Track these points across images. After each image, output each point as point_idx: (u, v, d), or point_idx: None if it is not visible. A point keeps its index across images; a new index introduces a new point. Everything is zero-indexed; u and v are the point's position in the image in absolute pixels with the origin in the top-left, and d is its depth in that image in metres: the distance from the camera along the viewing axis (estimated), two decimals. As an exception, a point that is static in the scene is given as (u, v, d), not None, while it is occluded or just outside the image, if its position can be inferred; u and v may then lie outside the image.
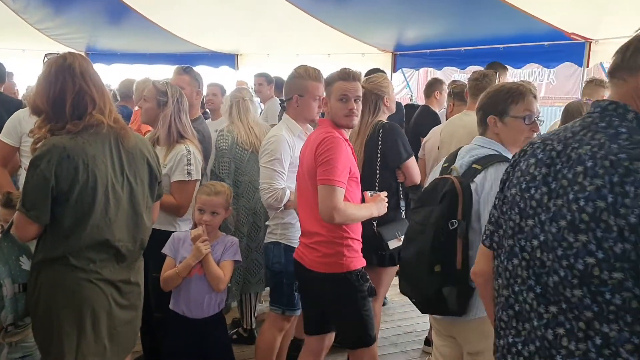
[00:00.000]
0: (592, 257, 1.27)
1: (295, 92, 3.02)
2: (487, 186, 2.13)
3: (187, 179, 2.99)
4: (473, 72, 3.98)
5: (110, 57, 9.80)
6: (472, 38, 6.24)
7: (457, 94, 4.29)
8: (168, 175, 2.97)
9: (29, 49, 9.38)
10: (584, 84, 4.91)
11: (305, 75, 2.99)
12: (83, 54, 9.21)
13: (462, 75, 10.25)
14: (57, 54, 2.30)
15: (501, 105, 2.26)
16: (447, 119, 4.45)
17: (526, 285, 1.46)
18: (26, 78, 6.07)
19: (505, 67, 4.85)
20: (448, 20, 6.21)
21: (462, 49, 6.47)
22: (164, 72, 8.90)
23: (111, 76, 9.54)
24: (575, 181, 1.33)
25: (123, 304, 2.32)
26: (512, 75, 8.06)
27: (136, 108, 5.14)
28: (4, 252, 2.37)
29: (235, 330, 4.09)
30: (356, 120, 2.73)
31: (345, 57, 7.72)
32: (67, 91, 2.16)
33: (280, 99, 6.12)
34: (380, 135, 3.31)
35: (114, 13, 7.88)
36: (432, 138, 4.04)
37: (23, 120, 3.31)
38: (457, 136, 3.58)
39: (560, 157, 1.41)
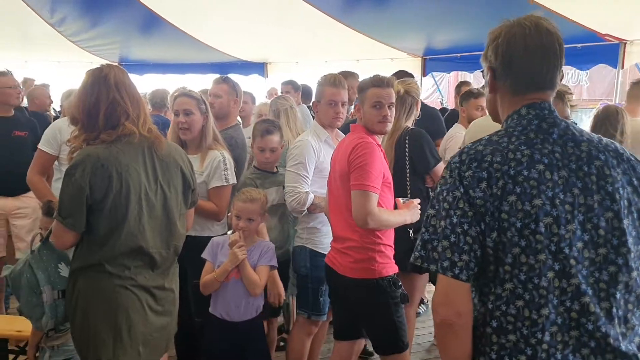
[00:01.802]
0: (630, 237, 1.44)
1: (316, 98, 3.13)
2: None
3: (225, 184, 3.05)
4: None
5: (143, 67, 9.98)
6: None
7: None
8: (205, 182, 3.02)
9: (64, 60, 9.63)
10: (628, 86, 4.77)
11: (323, 81, 3.09)
12: (116, 64, 9.48)
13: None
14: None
15: None
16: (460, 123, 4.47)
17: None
18: (62, 89, 6.24)
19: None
20: (479, 22, 6.14)
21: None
22: (195, 82, 9.04)
23: (143, 86, 9.70)
24: (603, 174, 1.44)
25: (158, 310, 2.35)
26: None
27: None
28: (43, 260, 2.44)
29: (279, 336, 4.09)
30: (389, 127, 2.76)
31: (374, 63, 7.71)
32: (101, 101, 2.20)
33: (308, 106, 6.18)
34: (407, 141, 3.31)
35: (146, 24, 8.03)
36: (454, 140, 4.03)
37: (62, 129, 3.38)
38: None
39: (567, 157, 1.45)
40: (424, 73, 7.74)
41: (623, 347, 1.41)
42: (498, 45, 1.53)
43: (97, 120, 2.21)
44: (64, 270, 2.43)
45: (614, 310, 1.41)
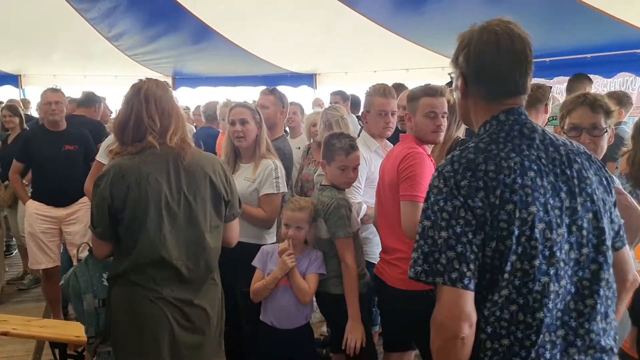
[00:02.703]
0: (608, 235, 1.50)
1: (365, 108, 3.13)
2: None
3: (276, 192, 3.08)
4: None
5: (195, 80, 10.21)
6: (557, 48, 6.01)
7: None
8: (257, 189, 3.06)
9: (121, 75, 9.95)
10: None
11: (372, 91, 3.10)
12: (170, 78, 9.74)
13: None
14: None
15: None
16: None
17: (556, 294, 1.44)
18: (118, 103, 6.53)
19: (590, 78, 4.65)
20: (532, 29, 5.87)
21: (547, 59, 6.24)
22: (245, 94, 9.18)
23: (196, 99, 9.93)
24: (582, 176, 1.50)
25: (187, 326, 2.33)
26: (603, 85, 7.68)
27: (221, 130, 5.34)
28: (89, 269, 2.50)
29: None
30: (442, 137, 2.72)
31: (424, 72, 7.64)
32: (131, 116, 2.29)
33: (357, 116, 6.17)
34: None
35: (199, 37, 8.22)
36: None
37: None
38: None
39: (550, 162, 1.48)
40: (476, 82, 7.60)
41: (603, 343, 1.47)
42: (470, 51, 1.53)
43: (126, 134, 2.29)
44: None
45: (598, 306, 1.46)
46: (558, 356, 1.43)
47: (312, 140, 4.37)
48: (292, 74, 9.55)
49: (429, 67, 7.64)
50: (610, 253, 1.50)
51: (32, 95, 9.99)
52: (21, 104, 6.20)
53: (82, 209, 4.44)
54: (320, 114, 4.23)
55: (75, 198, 4.46)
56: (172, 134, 2.29)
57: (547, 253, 1.41)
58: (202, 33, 7.96)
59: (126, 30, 8.22)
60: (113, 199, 2.20)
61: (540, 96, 3.53)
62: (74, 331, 3.45)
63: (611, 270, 1.50)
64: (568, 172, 1.48)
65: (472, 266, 1.40)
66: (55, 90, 4.59)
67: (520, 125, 1.51)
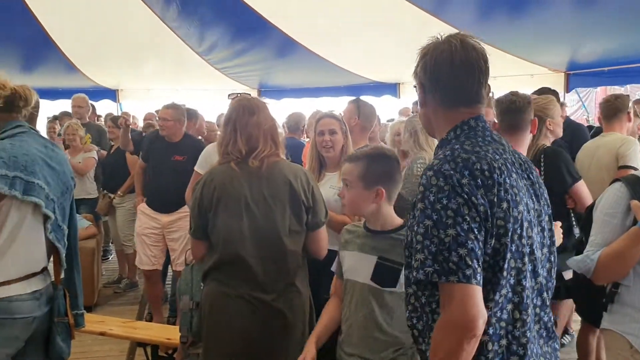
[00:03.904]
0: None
1: None
2: None
3: None
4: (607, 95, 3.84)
5: (280, 92, 10.42)
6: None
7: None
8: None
9: (210, 88, 10.33)
10: None
11: None
12: (256, 90, 10.01)
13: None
14: (238, 93, 2.66)
15: None
16: None
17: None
18: (208, 116, 6.81)
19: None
20: (629, 33, 5.69)
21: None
22: (329, 105, 9.27)
23: (280, 110, 10.14)
24: (539, 182, 1.62)
25: (264, 328, 2.41)
26: None
27: (306, 140, 5.42)
28: (192, 273, 2.69)
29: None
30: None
31: (512, 80, 7.40)
32: (223, 141, 2.54)
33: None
34: (542, 160, 3.15)
35: (284, 50, 8.39)
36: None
37: (213, 153, 3.65)
38: (597, 156, 3.62)
39: (519, 167, 1.57)
40: (567, 89, 7.28)
41: (554, 332, 1.60)
42: (427, 62, 1.59)
43: (222, 153, 2.54)
44: None
45: (548, 301, 1.59)
46: (537, 350, 1.51)
47: (396, 150, 4.35)
48: (376, 84, 9.54)
49: (516, 74, 7.40)
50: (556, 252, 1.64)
51: (128, 108, 10.59)
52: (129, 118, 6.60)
53: (184, 218, 4.66)
54: (403, 123, 4.20)
55: (178, 206, 4.68)
56: (256, 156, 2.47)
57: (528, 250, 1.49)
58: (286, 46, 8.13)
59: (215, 45, 8.53)
60: (203, 199, 2.43)
61: (620, 105, 3.56)
62: (165, 334, 3.60)
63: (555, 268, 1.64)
64: (531, 177, 1.60)
65: (480, 262, 1.41)
66: (167, 107, 4.88)
67: (489, 132, 1.59)
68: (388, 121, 7.02)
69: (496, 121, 2.98)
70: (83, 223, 5.21)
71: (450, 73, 1.56)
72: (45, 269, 2.49)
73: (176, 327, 3.08)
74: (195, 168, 3.86)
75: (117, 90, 10.65)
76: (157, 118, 5.08)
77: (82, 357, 4.24)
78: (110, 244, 7.24)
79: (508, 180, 1.46)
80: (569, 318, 4.34)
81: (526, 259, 1.48)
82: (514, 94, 2.85)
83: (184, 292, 2.65)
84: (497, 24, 6.60)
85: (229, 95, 3.07)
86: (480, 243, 1.40)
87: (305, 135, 6.08)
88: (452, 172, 1.44)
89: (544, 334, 1.56)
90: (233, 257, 2.40)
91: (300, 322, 2.52)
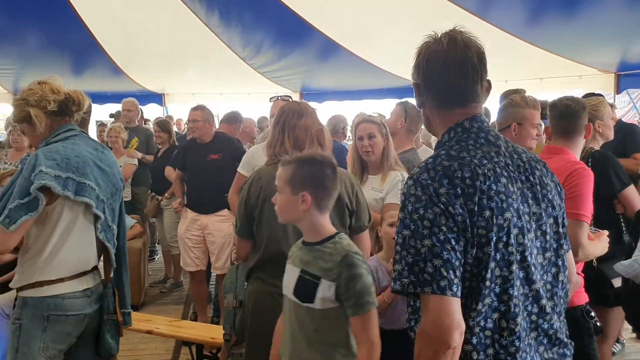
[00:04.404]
0: (565, 238, 1.59)
1: (513, 120, 2.94)
2: None
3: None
4: None
5: (322, 95, 10.43)
6: None
7: None
8: (383, 198, 3.17)
9: (253, 92, 10.44)
10: None
11: (522, 103, 2.95)
12: (298, 93, 10.06)
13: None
14: (279, 96, 2.71)
15: None
16: None
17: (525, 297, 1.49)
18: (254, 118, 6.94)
19: None
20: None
21: None
22: (372, 107, 9.24)
23: (322, 113, 10.14)
24: (544, 182, 1.55)
25: None
26: None
27: (349, 143, 5.42)
28: (237, 272, 2.75)
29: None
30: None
31: (559, 81, 7.25)
32: (271, 143, 2.61)
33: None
34: (590, 164, 3.07)
35: (326, 53, 8.40)
36: None
37: (256, 154, 3.70)
38: None
39: (516, 168, 1.52)
40: (618, 90, 7.06)
41: (565, 339, 1.56)
42: (420, 62, 1.58)
43: (270, 147, 2.63)
44: None
45: (556, 307, 1.54)
46: (535, 357, 1.48)
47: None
48: (419, 86, 9.45)
49: (564, 75, 7.23)
50: (566, 256, 1.58)
51: (174, 112, 10.81)
52: (173, 121, 6.79)
53: (223, 221, 4.73)
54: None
55: (219, 207, 4.75)
56: (308, 147, 2.55)
57: (519, 258, 1.45)
58: (328, 48, 8.14)
59: (258, 48, 8.61)
60: (250, 198, 2.51)
61: None
62: (210, 333, 3.66)
63: (566, 272, 1.58)
64: (532, 179, 1.53)
65: (457, 273, 1.38)
66: (194, 109, 4.96)
67: (485, 133, 1.54)
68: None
69: (541, 123, 2.93)
70: (128, 222, 5.34)
71: (442, 73, 1.54)
72: (95, 268, 2.57)
73: (220, 327, 3.14)
74: (239, 169, 3.92)
75: (163, 94, 10.88)
76: (187, 120, 5.17)
77: (129, 354, 4.35)
78: (156, 245, 7.41)
79: (494, 187, 1.42)
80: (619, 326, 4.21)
81: (514, 267, 1.42)
82: (569, 98, 2.78)
83: (228, 291, 2.72)
84: (544, 24, 6.46)
85: (270, 98, 3.15)
86: (459, 253, 1.38)
87: (346, 138, 6.08)
88: (429, 181, 1.43)
89: (545, 341, 1.51)
90: (276, 255, 2.43)
91: None
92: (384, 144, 3.29)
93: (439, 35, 1.57)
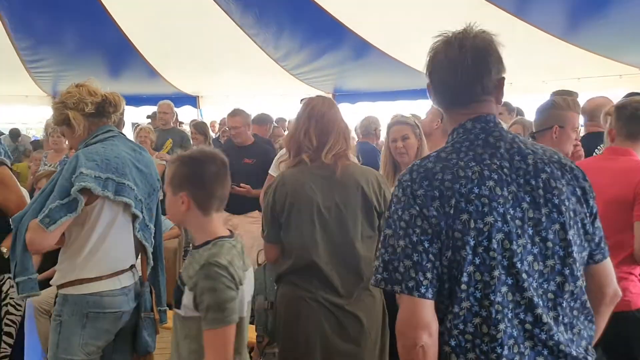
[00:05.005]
0: (575, 246, 1.47)
1: (554, 122, 2.87)
2: None
3: None
4: None
5: (355, 96, 10.40)
6: None
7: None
8: None
9: (286, 93, 10.49)
10: None
11: (565, 105, 2.88)
12: (331, 95, 10.06)
13: None
14: (310, 97, 2.72)
15: None
16: None
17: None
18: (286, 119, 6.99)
19: None
20: None
21: None
22: (405, 108, 9.16)
23: (356, 114, 10.13)
24: (549, 186, 1.45)
25: (339, 332, 2.41)
26: None
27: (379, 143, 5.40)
28: (264, 273, 2.73)
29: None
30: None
31: (598, 81, 7.08)
32: (294, 132, 2.54)
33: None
34: None
35: (359, 53, 8.38)
36: None
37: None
38: None
39: (514, 171, 1.46)
40: (660, 89, 6.87)
41: (574, 352, 1.45)
42: (428, 62, 1.58)
43: (290, 147, 2.55)
44: None
45: (561, 317, 1.45)
46: None
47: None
48: (455, 87, 9.35)
49: (604, 75, 7.06)
50: (577, 266, 1.47)
51: (208, 114, 10.93)
52: (208, 125, 6.91)
53: (252, 222, 4.77)
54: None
55: (250, 208, 4.83)
56: (328, 151, 2.46)
57: (505, 263, 1.41)
58: (361, 49, 8.12)
59: (291, 50, 8.65)
60: (275, 204, 2.46)
61: None
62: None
63: (580, 282, 1.48)
64: (533, 182, 1.46)
65: (429, 275, 1.40)
66: (233, 115, 5.05)
67: (486, 134, 1.52)
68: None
69: (601, 124, 2.87)
70: (167, 224, 5.41)
71: (439, 74, 1.56)
72: (133, 267, 2.61)
73: (253, 326, 3.15)
74: (270, 171, 3.95)
75: (198, 96, 11.01)
76: (227, 127, 5.26)
77: (164, 352, 4.38)
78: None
79: (476, 190, 1.41)
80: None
81: (496, 272, 1.39)
82: (637, 100, 2.69)
83: (258, 292, 2.68)
84: (582, 23, 6.33)
85: (301, 100, 3.12)
86: (431, 255, 1.41)
87: (379, 139, 6.04)
88: (409, 182, 1.47)
89: (545, 352, 1.43)
90: (307, 263, 2.42)
91: (374, 326, 2.51)
92: (418, 143, 3.29)
93: (450, 35, 1.56)
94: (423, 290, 1.40)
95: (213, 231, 2.00)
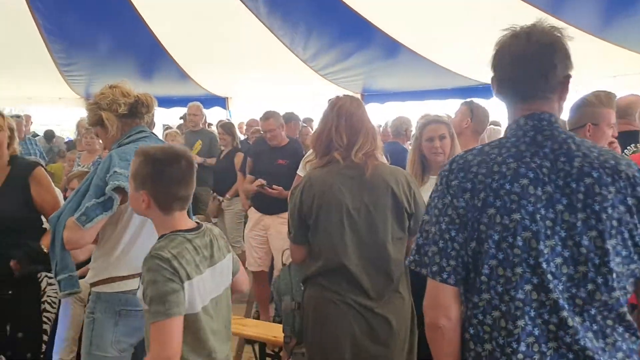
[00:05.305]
0: (619, 257, 1.41)
1: (588, 120, 2.82)
2: None
3: None
4: None
5: (384, 96, 10.35)
6: None
7: None
8: None
9: (315, 93, 10.48)
10: None
11: (597, 102, 2.84)
12: (359, 95, 10.04)
13: None
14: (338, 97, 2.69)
15: None
16: None
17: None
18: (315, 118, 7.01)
19: None
20: None
21: None
22: (435, 108, 9.09)
23: (385, 114, 10.07)
24: (593, 192, 1.41)
25: (369, 334, 2.40)
26: None
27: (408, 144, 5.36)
28: (290, 274, 2.74)
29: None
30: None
31: (634, 78, 6.90)
32: (323, 130, 2.50)
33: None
34: None
35: (388, 53, 8.33)
36: None
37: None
38: None
39: (555, 172, 1.44)
40: (699, 86, 6.67)
41: None
42: (493, 55, 1.59)
43: (318, 146, 2.51)
44: None
45: (587, 323, 1.43)
46: None
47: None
48: (484, 86, 9.23)
49: (639, 72, 6.89)
50: (613, 276, 1.41)
51: (237, 115, 10.99)
52: (235, 126, 6.98)
53: (285, 222, 4.79)
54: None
55: (282, 209, 4.81)
56: (358, 150, 2.44)
57: (531, 262, 1.41)
58: (390, 48, 8.07)
59: (319, 50, 8.65)
60: (302, 206, 2.44)
61: None
62: (273, 332, 3.69)
63: (617, 293, 1.43)
64: (573, 185, 1.43)
65: (452, 262, 1.47)
66: (266, 118, 5.08)
67: (535, 132, 1.51)
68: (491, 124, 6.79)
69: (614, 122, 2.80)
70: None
71: (503, 66, 1.57)
72: (164, 265, 2.63)
73: (280, 326, 3.15)
74: (298, 171, 3.97)
75: (227, 97, 11.09)
76: (262, 131, 5.29)
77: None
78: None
79: (507, 186, 1.43)
80: None
81: (519, 269, 1.41)
82: None
83: (284, 293, 2.69)
84: (617, 19, 6.18)
85: (329, 100, 3.11)
86: (456, 244, 1.47)
87: (409, 140, 6.00)
88: (447, 172, 1.55)
89: (570, 356, 1.41)
90: (337, 266, 2.40)
91: (403, 327, 2.49)
92: (451, 143, 3.27)
93: (517, 29, 1.56)
94: (445, 276, 1.48)
95: (172, 226, 2.01)
